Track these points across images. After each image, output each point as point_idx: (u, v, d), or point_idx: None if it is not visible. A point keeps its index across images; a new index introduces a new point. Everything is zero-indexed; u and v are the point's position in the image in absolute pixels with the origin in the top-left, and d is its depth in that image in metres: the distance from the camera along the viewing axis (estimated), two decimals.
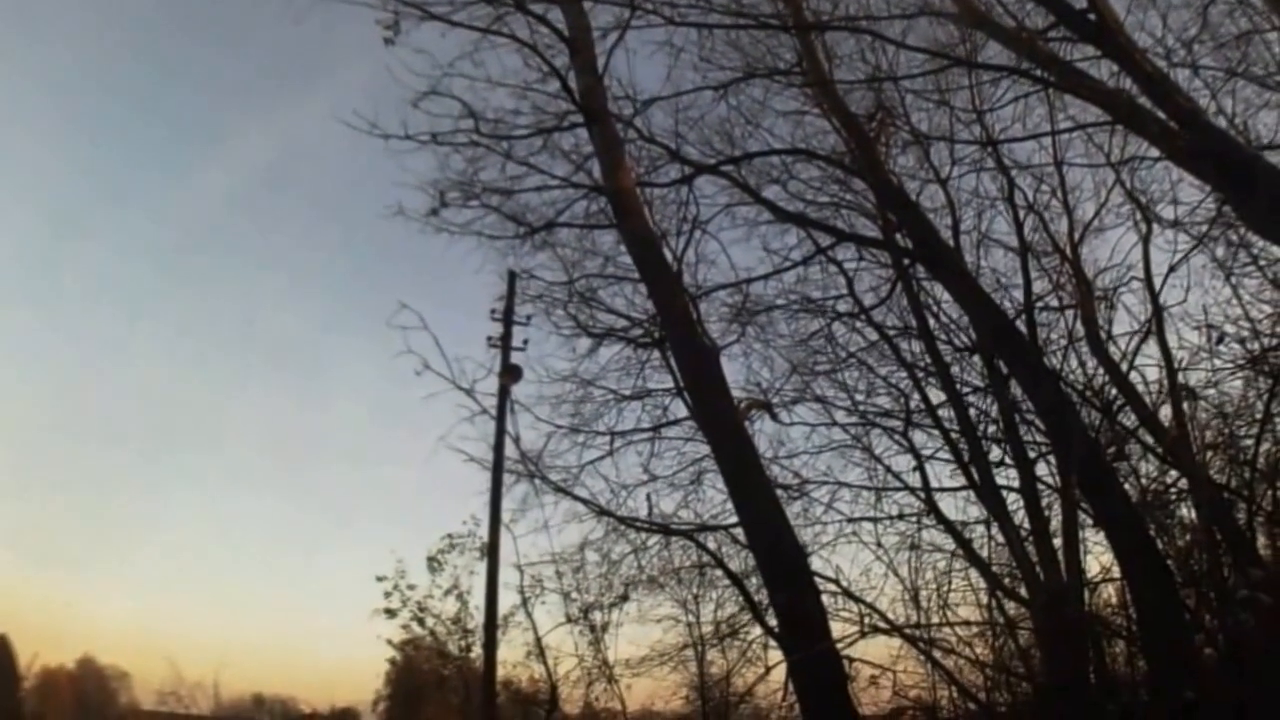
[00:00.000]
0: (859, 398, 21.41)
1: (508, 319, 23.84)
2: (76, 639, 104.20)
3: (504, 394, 22.51)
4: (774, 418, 21.91)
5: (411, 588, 22.45)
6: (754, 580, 18.70)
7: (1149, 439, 16.77)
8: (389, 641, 23.38)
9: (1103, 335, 18.52)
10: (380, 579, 22.44)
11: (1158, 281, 18.22)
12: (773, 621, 17.09)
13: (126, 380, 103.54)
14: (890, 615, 18.05)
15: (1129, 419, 17.21)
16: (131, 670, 63.47)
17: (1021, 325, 18.37)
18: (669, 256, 20.45)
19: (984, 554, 18.37)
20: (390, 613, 22.44)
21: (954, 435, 19.57)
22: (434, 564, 22.63)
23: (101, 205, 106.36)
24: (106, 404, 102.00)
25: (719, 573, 20.98)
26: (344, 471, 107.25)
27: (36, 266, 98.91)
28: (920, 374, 20.59)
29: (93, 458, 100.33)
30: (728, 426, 17.03)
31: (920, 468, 20.03)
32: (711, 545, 21.14)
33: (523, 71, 18.99)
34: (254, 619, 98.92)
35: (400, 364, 19.23)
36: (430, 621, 22.60)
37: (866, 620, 17.40)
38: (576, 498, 20.93)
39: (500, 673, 22.40)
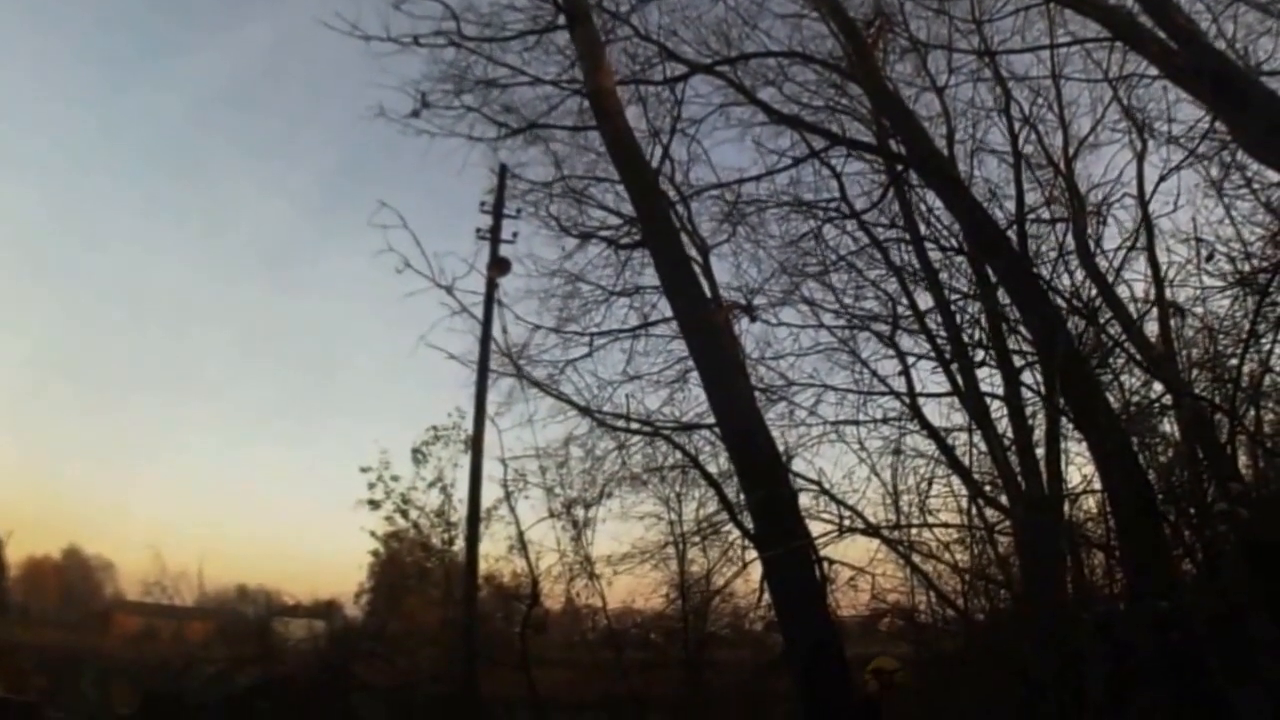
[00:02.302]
0: (847, 301, 21.42)
1: (498, 211, 23.69)
2: (62, 529, 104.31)
3: (492, 286, 22.43)
4: (753, 319, 22.01)
5: (395, 479, 22.56)
6: (736, 481, 18.78)
7: (1135, 353, 16.86)
8: (372, 533, 23.56)
9: (1093, 249, 18.58)
10: (365, 470, 22.49)
11: (1151, 200, 18.33)
12: (750, 523, 17.31)
13: (106, 264, 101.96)
14: (871, 519, 18.22)
15: (1115, 332, 17.27)
16: (116, 561, 63.64)
17: (1012, 236, 18.39)
18: (660, 154, 20.58)
19: (966, 461, 18.56)
20: (374, 504, 22.58)
21: (940, 341, 19.71)
22: (418, 456, 22.73)
23: (103, 85, 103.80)
24: (85, 287, 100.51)
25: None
26: (329, 364, 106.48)
27: (27, 131, 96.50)
28: (909, 279, 20.66)
29: (70, 346, 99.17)
30: (705, 328, 17.09)
31: (906, 372, 20.21)
32: (696, 444, 21.38)
33: None
34: (238, 511, 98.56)
35: (387, 257, 19.08)
36: (414, 514, 22.74)
37: (846, 521, 17.60)
38: (558, 396, 21.07)
39: (482, 567, 22.66)
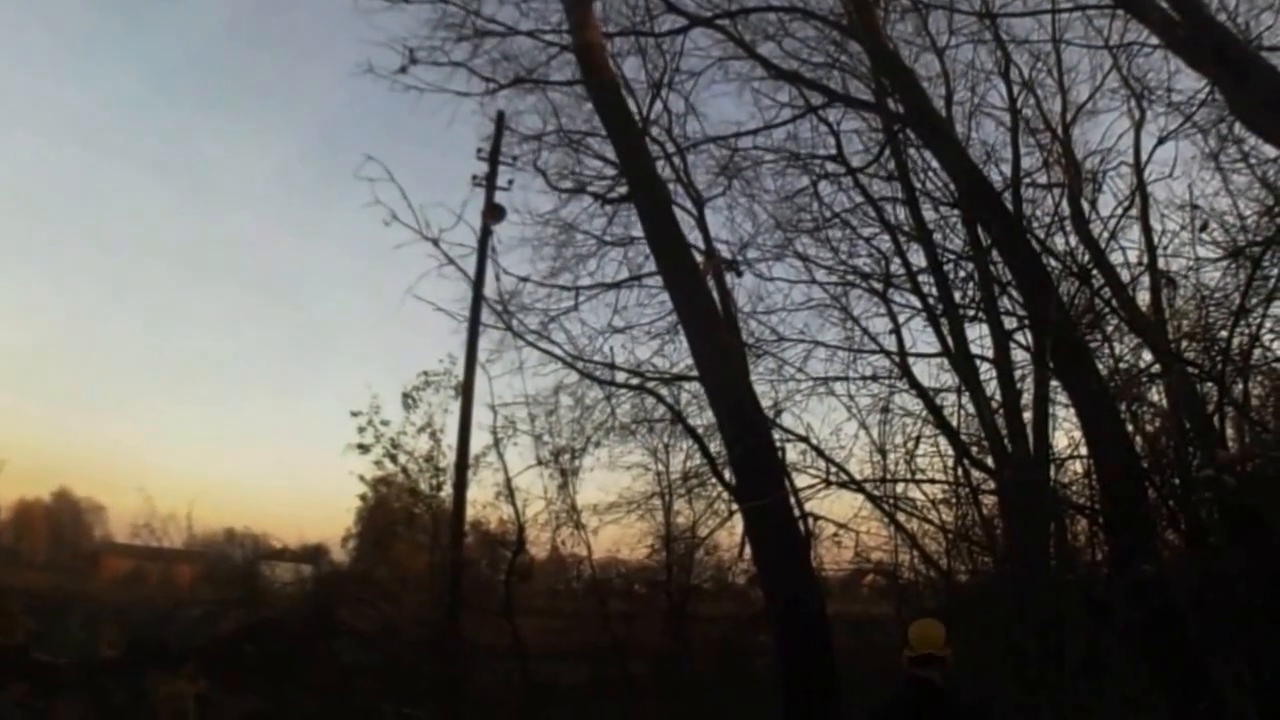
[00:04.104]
0: (840, 257, 21.48)
1: (493, 158, 23.62)
2: (53, 471, 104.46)
3: (486, 233, 22.39)
4: (740, 275, 22.13)
5: (385, 424, 22.45)
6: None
7: (1126, 319, 16.91)
8: (361, 478, 23.47)
9: (1087, 214, 18.61)
10: (355, 414, 22.46)
11: (1147, 168, 18.35)
12: (733, 477, 17.40)
13: (99, 211, 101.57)
14: (857, 475, 18.35)
15: (1108, 298, 17.31)
16: (107, 504, 63.77)
17: (1008, 198, 18.37)
18: (659, 107, 20.66)
19: (954, 421, 18.67)
20: (364, 448, 22.46)
21: (932, 301, 19.77)
22: (409, 401, 22.62)
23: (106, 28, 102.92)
24: (84, 234, 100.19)
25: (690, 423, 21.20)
26: (321, 308, 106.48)
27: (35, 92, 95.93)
28: (903, 238, 20.72)
29: (66, 291, 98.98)
30: (690, 283, 17.10)
31: (896, 331, 20.33)
32: (685, 396, 21.47)
33: None
34: (229, 453, 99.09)
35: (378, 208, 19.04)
36: (402, 459, 22.61)
37: (832, 476, 17.68)
38: (545, 350, 21.03)
39: (469, 513, 22.65)
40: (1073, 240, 18.44)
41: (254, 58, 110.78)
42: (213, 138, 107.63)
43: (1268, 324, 14.44)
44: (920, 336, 20.47)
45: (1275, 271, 14.14)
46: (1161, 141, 18.20)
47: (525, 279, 22.30)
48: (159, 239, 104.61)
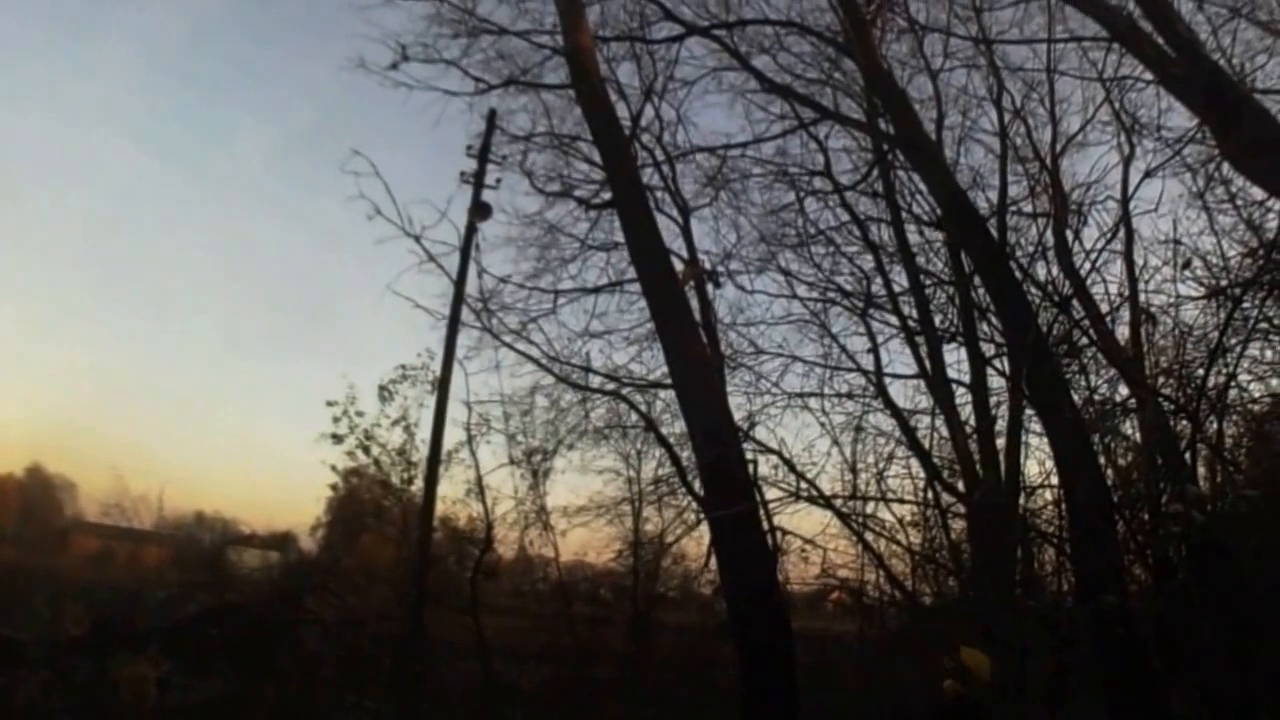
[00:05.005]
0: (822, 274, 21.79)
1: (483, 157, 23.61)
2: (25, 447, 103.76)
3: (471, 230, 22.40)
4: (718, 286, 22.29)
5: (360, 415, 22.35)
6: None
7: (1104, 352, 16.99)
8: (333, 468, 23.36)
9: (1071, 245, 18.73)
10: (331, 404, 22.36)
11: (1133, 202, 18.50)
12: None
13: (80, 190, 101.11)
14: (827, 492, 18.35)
15: (1087, 329, 17.40)
16: (79, 481, 63.49)
17: (992, 225, 18.47)
18: (650, 113, 20.76)
19: (926, 443, 18.80)
20: (337, 438, 22.31)
21: (911, 322, 19.93)
22: (385, 394, 22.47)
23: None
24: (67, 207, 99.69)
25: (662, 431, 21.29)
26: (304, 296, 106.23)
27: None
28: (885, 258, 20.88)
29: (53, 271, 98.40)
30: (668, 291, 17.12)
31: (875, 350, 20.59)
32: (659, 403, 21.56)
33: None
34: (203, 436, 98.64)
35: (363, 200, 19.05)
36: (375, 450, 22.48)
37: (803, 491, 17.71)
38: (522, 352, 21.24)
39: (439, 508, 22.65)
40: (1055, 270, 18.63)
41: (251, 43, 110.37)
42: (207, 118, 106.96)
43: (1245, 364, 14.56)
44: (898, 357, 20.80)
45: (1255, 313, 14.22)
46: (1149, 176, 18.41)
47: (506, 279, 22.48)
48: (143, 214, 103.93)
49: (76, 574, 33.34)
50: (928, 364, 19.63)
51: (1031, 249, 18.98)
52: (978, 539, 16.67)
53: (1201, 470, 14.56)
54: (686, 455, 19.01)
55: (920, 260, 20.48)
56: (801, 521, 18.25)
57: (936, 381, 19.23)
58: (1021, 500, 16.58)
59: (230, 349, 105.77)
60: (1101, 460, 14.95)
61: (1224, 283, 15.28)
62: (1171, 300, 16.47)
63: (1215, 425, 14.33)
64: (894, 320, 20.85)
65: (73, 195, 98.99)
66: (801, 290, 21.96)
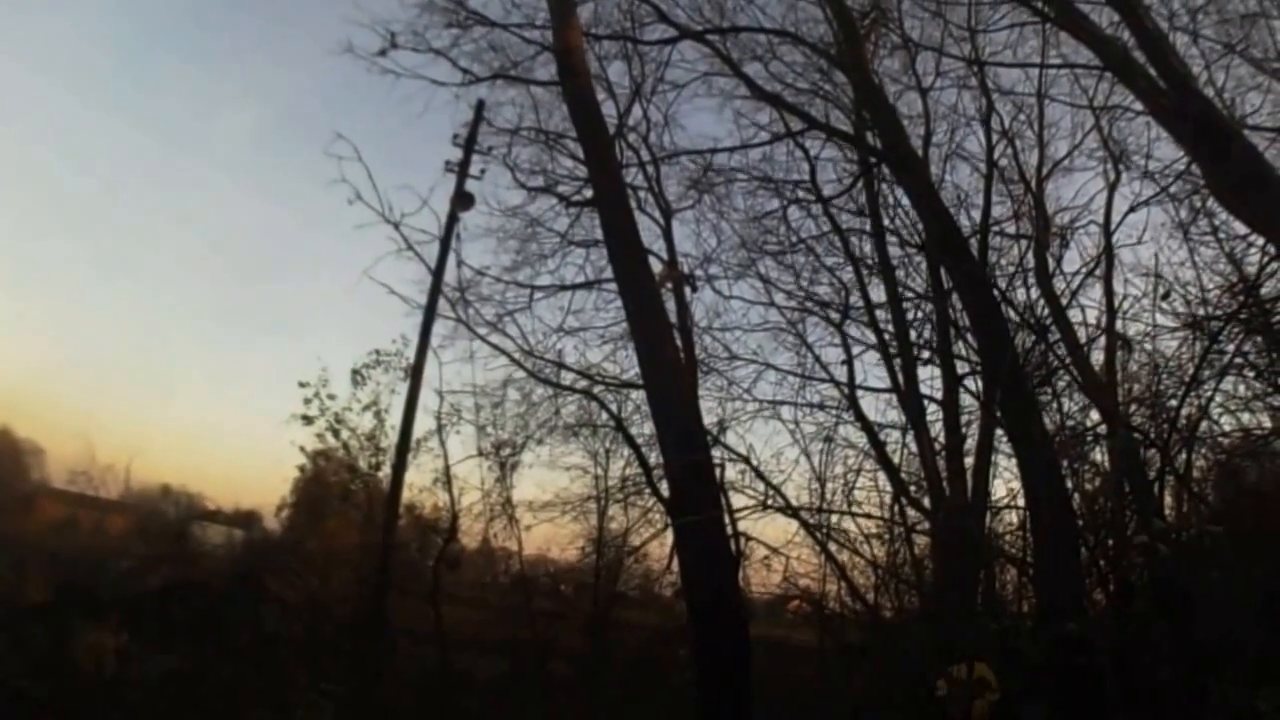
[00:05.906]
0: (801, 283, 21.86)
1: (468, 146, 23.65)
2: None
3: (453, 219, 22.42)
4: (695, 289, 22.34)
5: (332, 398, 22.27)
6: None
7: (1078, 378, 17.05)
8: (301, 449, 23.31)
9: (1051, 270, 18.79)
10: (303, 385, 22.26)
11: (1116, 231, 18.60)
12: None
13: (53, 155, 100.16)
14: (794, 502, 18.35)
15: (1062, 355, 17.46)
16: (47, 447, 62.91)
17: (974, 244, 18.55)
18: (638, 113, 20.81)
19: (895, 459, 18.85)
20: (307, 419, 22.25)
21: (887, 337, 19.99)
22: (358, 378, 22.40)
23: None
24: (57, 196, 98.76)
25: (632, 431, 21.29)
26: (282, 275, 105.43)
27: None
28: (865, 271, 20.92)
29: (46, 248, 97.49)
30: (644, 291, 17.14)
31: (849, 362, 20.67)
32: (630, 403, 21.61)
33: None
34: (173, 408, 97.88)
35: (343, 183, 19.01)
36: (345, 434, 22.45)
37: (769, 499, 17.71)
38: (495, 345, 21.27)
39: (405, 495, 22.67)
40: (1034, 293, 18.69)
41: (242, 16, 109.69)
42: (193, 89, 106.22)
43: (1218, 398, 14.65)
44: (871, 370, 20.99)
45: (1231, 347, 14.31)
46: (1134, 209, 18.46)
47: (484, 271, 22.65)
48: (121, 180, 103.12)
49: (41, 540, 33.05)
50: (901, 379, 19.69)
51: (1012, 270, 19.03)
52: (941, 556, 16.70)
53: (1168, 501, 14.62)
54: (655, 457, 18.94)
55: (900, 275, 20.58)
56: (766, 529, 18.33)
57: (909, 397, 19.29)
58: (987, 520, 16.59)
59: (204, 323, 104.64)
60: (1069, 485, 15.01)
61: (1202, 315, 15.35)
62: (1149, 329, 16.57)
63: (1184, 457, 14.38)
64: (870, 334, 20.93)
65: (45, 159, 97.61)
66: (779, 298, 22.05)
